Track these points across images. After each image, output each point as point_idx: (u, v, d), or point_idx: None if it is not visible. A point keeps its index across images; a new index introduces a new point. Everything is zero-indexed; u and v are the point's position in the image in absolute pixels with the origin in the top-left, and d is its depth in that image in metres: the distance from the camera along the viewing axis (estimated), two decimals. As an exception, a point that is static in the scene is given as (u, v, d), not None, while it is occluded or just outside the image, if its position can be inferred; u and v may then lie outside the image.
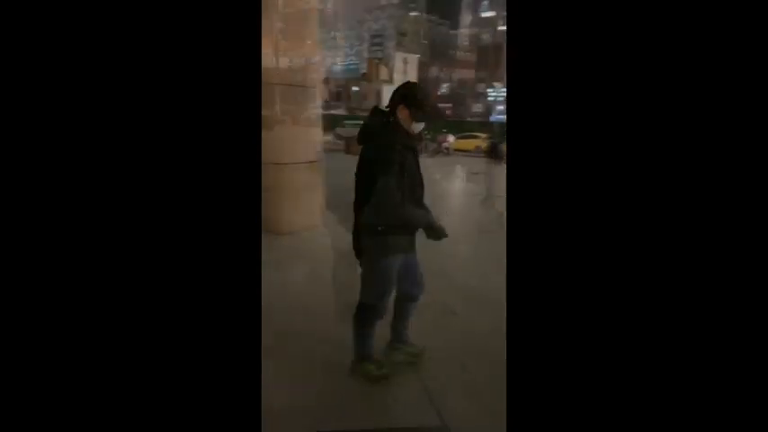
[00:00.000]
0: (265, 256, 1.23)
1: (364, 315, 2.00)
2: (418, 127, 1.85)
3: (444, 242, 1.95)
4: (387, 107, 1.86)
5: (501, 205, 4.99)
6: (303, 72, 4.50)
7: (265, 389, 0.97)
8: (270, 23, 4.11)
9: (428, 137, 17.53)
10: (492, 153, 7.32)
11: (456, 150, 19.41)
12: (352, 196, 1.89)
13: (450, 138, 19.49)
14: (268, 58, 4.16)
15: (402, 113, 1.80)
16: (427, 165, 1.90)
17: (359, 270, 1.99)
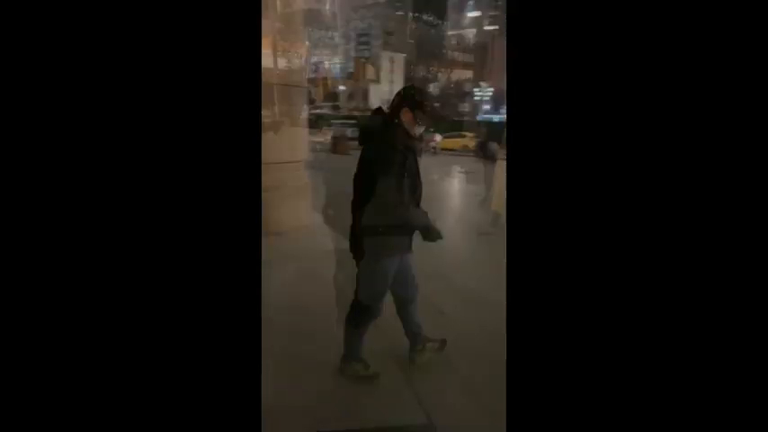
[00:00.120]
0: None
1: (359, 315, 2.00)
2: (420, 129, 1.87)
3: (443, 243, 1.97)
4: (389, 109, 1.88)
5: (496, 204, 4.95)
6: (289, 72, 4.47)
7: (264, 389, 0.96)
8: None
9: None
10: (479, 152, 7.35)
11: (443, 149, 19.49)
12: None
13: (438, 137, 19.58)
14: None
15: (406, 116, 1.82)
16: (425, 165, 1.91)
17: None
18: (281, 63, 4.30)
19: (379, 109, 1.95)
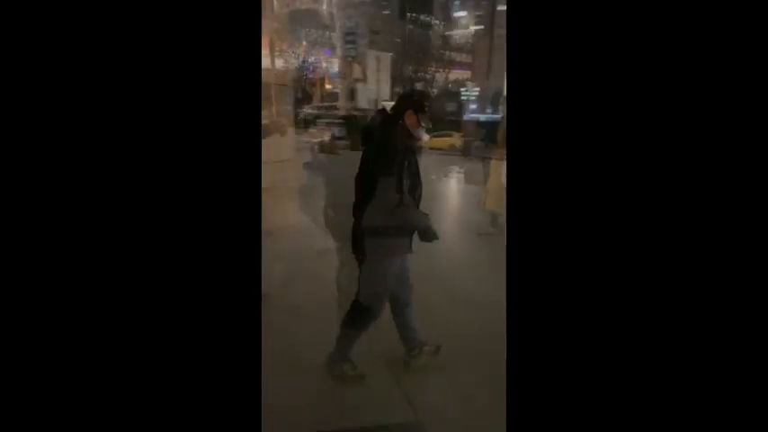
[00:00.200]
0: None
1: (359, 316, 1.99)
2: (421, 131, 1.92)
3: (440, 243, 1.98)
4: (392, 110, 1.92)
5: (488, 204, 4.94)
6: (276, 71, 4.45)
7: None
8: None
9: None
10: (467, 151, 7.40)
11: (430, 149, 19.50)
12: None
13: (426, 136, 19.54)
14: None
15: (410, 118, 1.87)
16: (423, 165, 1.95)
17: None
18: (266, 62, 4.26)
19: (383, 110, 1.99)
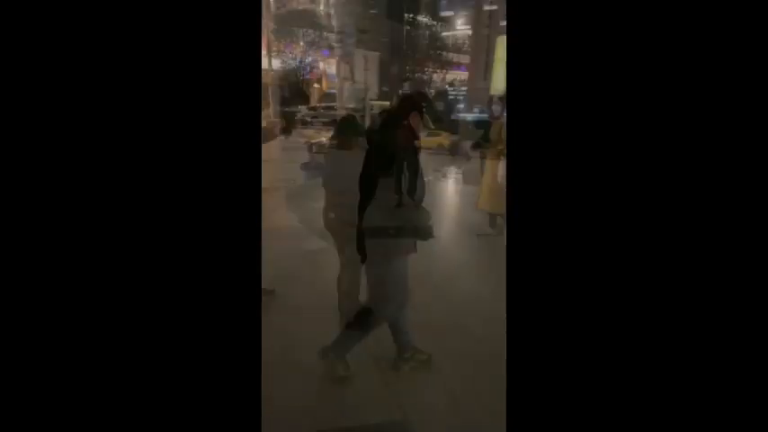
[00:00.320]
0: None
1: (368, 320, 1.97)
2: (424, 132, 1.99)
3: (437, 244, 1.99)
4: (395, 111, 1.96)
5: (482, 204, 4.94)
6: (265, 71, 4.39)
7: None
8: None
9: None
10: (454, 150, 7.42)
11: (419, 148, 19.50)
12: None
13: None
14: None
15: (414, 119, 1.90)
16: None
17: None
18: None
19: (387, 111, 2.04)
